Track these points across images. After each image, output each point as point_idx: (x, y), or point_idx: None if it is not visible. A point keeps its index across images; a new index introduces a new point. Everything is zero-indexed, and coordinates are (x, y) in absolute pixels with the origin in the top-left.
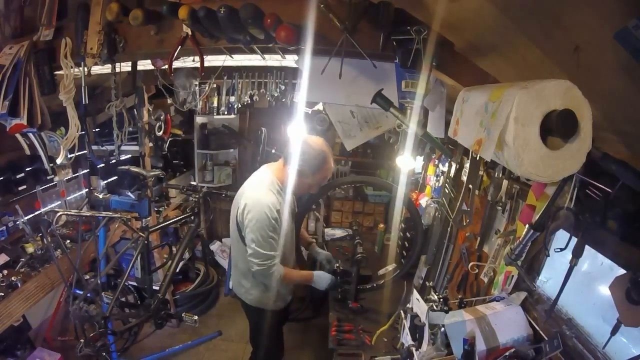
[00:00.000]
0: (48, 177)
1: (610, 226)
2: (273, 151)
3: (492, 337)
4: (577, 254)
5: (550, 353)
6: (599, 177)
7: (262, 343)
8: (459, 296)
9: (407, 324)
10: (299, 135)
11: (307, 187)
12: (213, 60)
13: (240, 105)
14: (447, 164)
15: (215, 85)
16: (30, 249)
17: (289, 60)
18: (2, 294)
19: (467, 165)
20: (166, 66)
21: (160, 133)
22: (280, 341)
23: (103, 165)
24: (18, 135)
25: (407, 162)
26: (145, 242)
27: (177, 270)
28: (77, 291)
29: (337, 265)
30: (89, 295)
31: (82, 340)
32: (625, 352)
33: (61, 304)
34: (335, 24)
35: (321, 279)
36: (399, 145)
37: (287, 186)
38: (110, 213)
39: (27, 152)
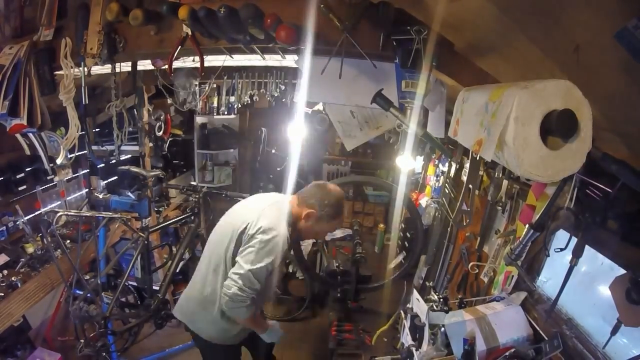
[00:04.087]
0: (48, 177)
1: (610, 226)
2: (273, 151)
3: (492, 337)
4: (577, 254)
5: (550, 353)
6: (599, 177)
7: None
8: (459, 296)
9: (407, 324)
10: (317, 182)
11: (316, 234)
12: (213, 60)
13: (240, 105)
14: (447, 164)
15: (215, 85)
16: (30, 249)
17: (289, 60)
18: (2, 294)
19: (467, 165)
20: (166, 66)
21: (160, 133)
22: None
23: (103, 165)
24: (18, 135)
25: (407, 162)
26: (145, 242)
27: (177, 270)
28: (77, 291)
29: (337, 264)
30: (89, 295)
31: (82, 340)
32: (625, 352)
33: (61, 304)
34: (335, 24)
35: (273, 331)
36: (399, 145)
37: (296, 227)
38: (110, 213)
39: (27, 152)
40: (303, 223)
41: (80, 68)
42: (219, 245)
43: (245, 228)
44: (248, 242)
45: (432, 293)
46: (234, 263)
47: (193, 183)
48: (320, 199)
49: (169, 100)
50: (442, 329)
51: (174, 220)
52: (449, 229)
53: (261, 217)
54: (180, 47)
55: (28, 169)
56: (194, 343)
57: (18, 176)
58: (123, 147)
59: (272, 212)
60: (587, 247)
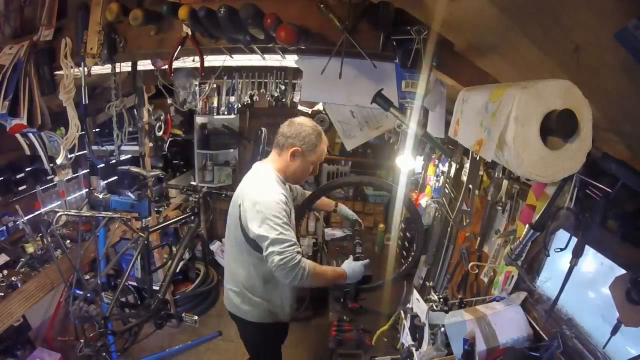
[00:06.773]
0: (48, 177)
1: (610, 226)
2: None
3: (492, 337)
4: (577, 254)
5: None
6: (599, 177)
7: None
8: (459, 296)
9: (407, 324)
10: (284, 123)
11: (308, 169)
12: (213, 60)
13: (240, 105)
14: (447, 164)
15: (215, 85)
16: (30, 249)
17: (289, 60)
18: (2, 294)
19: (467, 165)
20: (166, 66)
21: (160, 133)
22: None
23: (103, 165)
24: (18, 135)
25: (407, 162)
26: (145, 242)
27: (177, 270)
28: (77, 291)
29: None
30: (89, 295)
31: (82, 340)
32: (625, 352)
33: (61, 304)
34: (335, 24)
35: (355, 271)
36: (399, 145)
37: (289, 174)
38: (110, 213)
39: (27, 152)
40: (293, 165)
41: (80, 68)
42: (232, 229)
43: (240, 213)
44: (251, 221)
45: (432, 293)
46: (250, 243)
47: (193, 183)
48: (297, 134)
49: (169, 100)
50: (442, 329)
51: (174, 220)
52: (449, 229)
53: (247, 198)
54: (180, 47)
55: (28, 169)
56: (241, 334)
57: (18, 176)
58: (123, 147)
59: (255, 186)
60: (587, 247)
